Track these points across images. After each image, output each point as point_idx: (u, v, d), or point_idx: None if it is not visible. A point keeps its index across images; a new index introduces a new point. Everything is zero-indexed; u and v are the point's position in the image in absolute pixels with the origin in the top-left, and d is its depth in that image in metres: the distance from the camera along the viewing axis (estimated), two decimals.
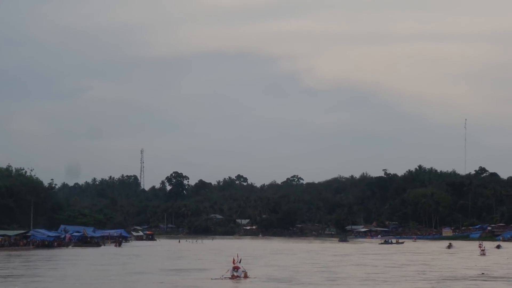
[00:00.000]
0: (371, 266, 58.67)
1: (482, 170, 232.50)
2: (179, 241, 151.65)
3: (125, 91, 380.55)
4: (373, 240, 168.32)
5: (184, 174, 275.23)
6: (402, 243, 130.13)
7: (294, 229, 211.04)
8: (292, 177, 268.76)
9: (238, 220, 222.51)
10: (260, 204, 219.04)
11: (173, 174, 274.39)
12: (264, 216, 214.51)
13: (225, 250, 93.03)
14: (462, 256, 78.38)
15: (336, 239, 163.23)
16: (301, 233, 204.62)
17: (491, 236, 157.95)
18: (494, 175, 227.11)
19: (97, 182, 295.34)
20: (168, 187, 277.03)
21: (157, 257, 76.42)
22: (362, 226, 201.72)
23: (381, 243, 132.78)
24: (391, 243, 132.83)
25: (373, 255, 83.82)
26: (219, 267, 54.63)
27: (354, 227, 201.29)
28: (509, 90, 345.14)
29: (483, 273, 48.64)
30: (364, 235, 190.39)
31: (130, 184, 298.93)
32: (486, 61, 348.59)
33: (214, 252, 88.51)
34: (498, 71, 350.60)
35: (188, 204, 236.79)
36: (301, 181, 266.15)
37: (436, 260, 70.33)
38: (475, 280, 44.09)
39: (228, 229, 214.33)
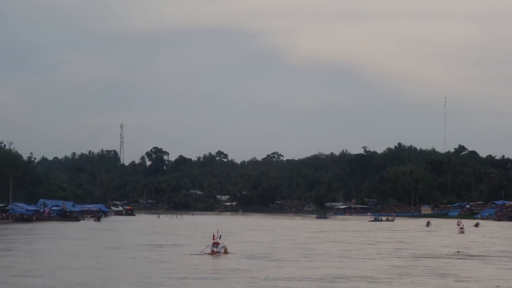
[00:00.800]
0: (347, 243, 58.65)
1: (462, 148, 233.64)
2: (159, 217, 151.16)
3: (105, 66, 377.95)
4: (359, 217, 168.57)
5: (164, 150, 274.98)
6: (393, 220, 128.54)
7: (274, 205, 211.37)
8: (272, 153, 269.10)
9: (218, 196, 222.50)
10: (240, 181, 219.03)
11: (153, 150, 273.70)
12: (244, 192, 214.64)
13: (203, 226, 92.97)
14: (440, 234, 78.44)
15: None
16: (281, 210, 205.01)
17: (470, 214, 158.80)
18: (473, 153, 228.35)
19: (77, 157, 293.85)
20: (148, 163, 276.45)
21: (134, 232, 76.03)
22: (342, 203, 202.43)
23: (371, 220, 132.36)
24: (381, 220, 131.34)
25: (351, 232, 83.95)
26: (194, 242, 54.46)
27: (333, 204, 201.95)
28: (489, 69, 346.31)
29: (458, 251, 48.61)
30: (343, 212, 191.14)
31: (110, 159, 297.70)
32: (466, 40, 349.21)
33: (192, 228, 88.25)
34: (478, 50, 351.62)
35: (168, 179, 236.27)
36: (281, 158, 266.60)
37: (413, 238, 70.39)
38: (450, 258, 44.03)
39: (208, 205, 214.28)
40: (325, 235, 72.84)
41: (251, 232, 72.44)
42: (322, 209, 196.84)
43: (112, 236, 66.95)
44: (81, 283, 29.10)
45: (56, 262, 38.37)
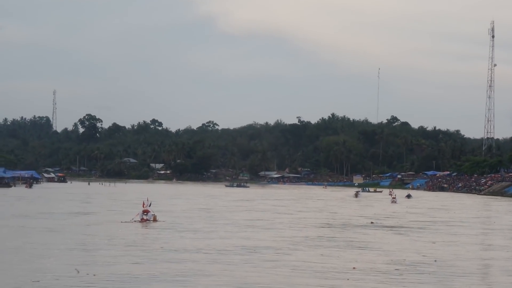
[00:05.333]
0: (261, 212, 58.24)
1: (394, 119, 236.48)
2: (89, 184, 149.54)
3: (37, 32, 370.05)
4: (295, 186, 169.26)
5: (97, 117, 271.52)
6: (381, 191, 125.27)
7: (209, 174, 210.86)
8: (207, 122, 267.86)
9: (152, 165, 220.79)
10: (174, 149, 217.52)
11: (86, 117, 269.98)
12: (178, 161, 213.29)
13: (128, 194, 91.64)
14: (366, 204, 78.54)
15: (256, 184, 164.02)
16: (215, 178, 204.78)
17: (401, 184, 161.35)
18: (405, 124, 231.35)
19: (8, 123, 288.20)
20: (81, 130, 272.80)
21: (57, 200, 73.96)
22: (275, 172, 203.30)
23: (358, 191, 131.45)
24: (368, 191, 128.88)
25: (273, 200, 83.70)
26: (103, 210, 53.40)
27: (267, 173, 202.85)
28: (421, 41, 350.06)
29: (372, 222, 48.50)
30: (277, 181, 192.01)
31: (42, 125, 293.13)
32: (400, 12, 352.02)
33: (113, 196, 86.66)
34: (411, 23, 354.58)
35: (101, 147, 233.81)
36: (217, 127, 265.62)
37: (334, 207, 70.39)
38: (364, 228, 43.99)
39: (142, 173, 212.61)
40: (248, 204, 72.41)
41: (171, 201, 71.32)
42: (256, 178, 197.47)
43: (28, 204, 65.13)
44: None
45: None
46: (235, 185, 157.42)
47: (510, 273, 25.81)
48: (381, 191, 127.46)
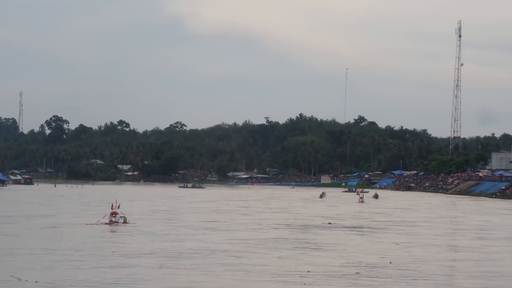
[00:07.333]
0: (221, 213, 57.41)
1: (361, 119, 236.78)
2: (55, 186, 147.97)
3: (4, 32, 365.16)
4: (263, 186, 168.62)
5: (64, 118, 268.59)
6: (367, 192, 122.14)
7: (176, 175, 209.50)
8: (175, 123, 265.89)
9: (120, 166, 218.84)
10: (142, 150, 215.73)
11: (52, 118, 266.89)
12: (146, 162, 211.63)
13: (95, 195, 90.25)
14: (331, 205, 77.98)
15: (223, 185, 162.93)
16: (183, 179, 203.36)
17: (368, 184, 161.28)
18: (372, 124, 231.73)
19: None
20: (48, 131, 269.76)
21: (21, 203, 72.29)
22: (244, 173, 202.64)
23: (345, 191, 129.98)
24: (354, 191, 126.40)
25: (237, 201, 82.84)
26: (66, 213, 52.26)
27: (235, 173, 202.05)
28: (389, 41, 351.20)
29: (329, 223, 47.84)
30: (246, 181, 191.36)
31: (8, 127, 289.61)
32: (367, 12, 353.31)
33: (80, 198, 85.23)
34: (379, 22, 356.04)
35: (67, 148, 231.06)
36: (185, 127, 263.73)
37: (297, 208, 69.67)
38: (324, 229, 43.36)
39: (109, 175, 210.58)
40: (210, 205, 71.51)
41: (132, 203, 70.03)
42: (224, 179, 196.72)
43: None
44: None
45: None
46: (189, 185, 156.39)
47: (473, 276, 25.20)
48: (367, 191, 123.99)
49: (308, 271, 24.67)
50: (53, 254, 28.69)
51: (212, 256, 28.54)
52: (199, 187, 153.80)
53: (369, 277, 24.01)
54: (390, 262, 27.43)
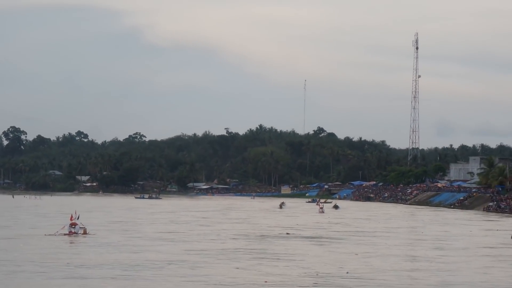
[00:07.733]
0: (180, 224, 57.00)
1: (321, 130, 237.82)
2: (13, 197, 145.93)
3: None
4: (224, 197, 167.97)
5: (22, 129, 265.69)
6: (330, 202, 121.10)
7: (136, 186, 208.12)
8: (134, 134, 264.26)
9: (78, 177, 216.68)
10: (100, 161, 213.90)
11: (10, 129, 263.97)
12: (105, 173, 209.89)
13: (52, 206, 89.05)
14: (290, 215, 77.88)
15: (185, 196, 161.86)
16: (143, 190, 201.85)
17: (328, 195, 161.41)
18: (332, 135, 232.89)
19: None
20: (5, 142, 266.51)
21: None
22: (204, 184, 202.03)
23: (308, 202, 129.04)
24: (316, 201, 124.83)
25: (196, 212, 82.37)
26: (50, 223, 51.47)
27: (196, 184, 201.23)
28: (347, 53, 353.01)
29: (287, 233, 47.71)
30: (206, 192, 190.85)
31: None
32: (325, 25, 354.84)
33: (38, 209, 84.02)
34: (336, 35, 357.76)
35: (25, 159, 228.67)
36: (144, 138, 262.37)
37: (256, 218, 69.47)
38: (283, 239, 43.22)
39: (68, 186, 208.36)
40: (169, 216, 70.98)
41: (90, 214, 69.16)
42: (184, 190, 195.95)
43: None
44: None
45: None
46: (146, 196, 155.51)
47: (431, 285, 25.22)
48: (330, 202, 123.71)
49: (266, 281, 24.50)
50: (7, 265, 28.11)
51: (170, 267, 28.21)
52: (156, 197, 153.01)
53: (327, 287, 23.91)
54: (347, 272, 27.38)
